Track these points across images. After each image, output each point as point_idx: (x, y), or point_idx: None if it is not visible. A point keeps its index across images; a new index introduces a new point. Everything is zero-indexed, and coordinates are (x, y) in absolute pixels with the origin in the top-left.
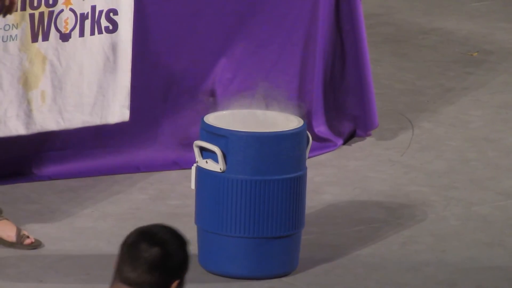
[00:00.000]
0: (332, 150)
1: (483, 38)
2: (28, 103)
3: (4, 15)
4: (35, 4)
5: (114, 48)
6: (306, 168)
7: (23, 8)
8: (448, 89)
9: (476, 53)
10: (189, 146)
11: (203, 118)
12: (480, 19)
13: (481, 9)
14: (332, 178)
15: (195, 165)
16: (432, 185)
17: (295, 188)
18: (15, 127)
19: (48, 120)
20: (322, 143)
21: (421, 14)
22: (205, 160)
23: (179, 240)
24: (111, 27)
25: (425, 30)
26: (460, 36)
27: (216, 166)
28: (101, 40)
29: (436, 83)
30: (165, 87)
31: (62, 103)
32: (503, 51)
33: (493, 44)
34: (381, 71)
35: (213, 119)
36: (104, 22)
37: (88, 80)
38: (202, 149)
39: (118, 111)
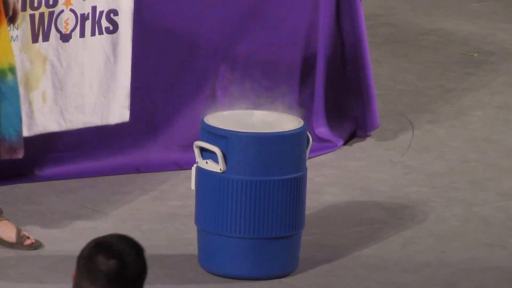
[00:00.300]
0: (333, 151)
1: (484, 39)
2: (30, 104)
3: (8, 25)
4: (35, 4)
5: (114, 48)
6: (306, 169)
7: (24, 9)
8: (448, 90)
9: (476, 54)
10: (190, 146)
11: (203, 119)
12: (480, 19)
13: (481, 9)
14: (333, 178)
15: (195, 165)
16: (432, 185)
17: (295, 188)
18: None
19: (49, 121)
20: (323, 144)
21: (421, 15)
22: (205, 160)
23: (136, 250)
24: (111, 28)
25: (425, 31)
26: (461, 37)
27: (216, 167)
28: (101, 40)
29: (437, 84)
30: (166, 88)
31: (63, 104)
32: (503, 51)
33: (494, 45)
34: (381, 72)
35: (213, 119)
36: (104, 23)
37: (89, 81)
38: (202, 150)
39: (118, 111)
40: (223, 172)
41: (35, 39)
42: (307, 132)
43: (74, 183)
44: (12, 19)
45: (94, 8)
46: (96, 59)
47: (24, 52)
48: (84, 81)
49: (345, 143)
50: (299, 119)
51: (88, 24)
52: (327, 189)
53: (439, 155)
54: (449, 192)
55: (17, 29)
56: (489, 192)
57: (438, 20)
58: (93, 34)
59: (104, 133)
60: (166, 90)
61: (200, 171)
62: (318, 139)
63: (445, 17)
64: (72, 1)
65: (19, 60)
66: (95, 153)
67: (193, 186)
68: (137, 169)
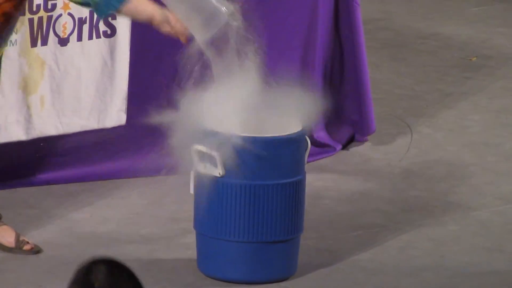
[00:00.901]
0: (331, 155)
1: (482, 43)
2: (28, 108)
3: None
4: (34, 9)
5: (111, 52)
6: (305, 173)
7: (23, 13)
8: (446, 94)
9: (474, 58)
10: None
11: (201, 122)
12: (478, 24)
13: (480, 14)
14: (331, 183)
15: (194, 169)
16: (430, 190)
17: (294, 192)
18: (16, 133)
19: (47, 125)
20: (321, 148)
21: (420, 19)
22: (204, 164)
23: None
24: (109, 32)
25: (424, 35)
26: (459, 41)
27: (215, 171)
28: (99, 44)
29: (435, 88)
30: (163, 91)
31: (60, 108)
32: (501, 56)
33: (492, 49)
34: (380, 76)
35: (211, 123)
36: (102, 27)
37: (86, 84)
38: (201, 154)
39: (115, 115)
40: (221, 176)
41: (33, 43)
42: (306, 136)
43: (72, 187)
44: None
45: (92, 12)
46: (93, 63)
47: (23, 56)
48: (81, 85)
49: (343, 147)
50: (298, 123)
51: (86, 28)
52: (325, 193)
53: (437, 159)
54: (447, 196)
55: (16, 33)
56: (487, 197)
57: (436, 25)
58: (90, 38)
59: (103, 137)
60: (163, 94)
61: (199, 175)
62: (317, 143)
63: (444, 22)
64: (70, 5)
65: (17, 65)
66: (93, 157)
67: (191, 190)
68: (135, 173)
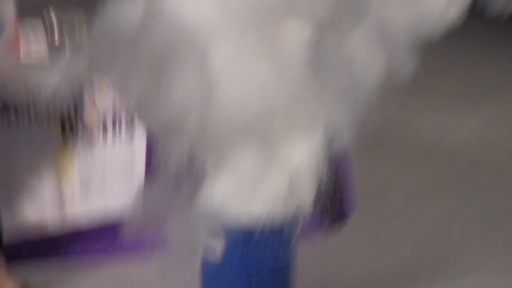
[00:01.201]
0: (316, 235)
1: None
2: (60, 196)
3: None
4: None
5: (132, 153)
6: (294, 257)
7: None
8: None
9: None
10: None
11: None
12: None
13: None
14: (314, 260)
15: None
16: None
17: (283, 277)
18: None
19: (76, 216)
20: (306, 231)
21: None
22: (202, 247)
23: None
24: (129, 135)
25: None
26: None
27: (211, 254)
28: (121, 147)
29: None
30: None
31: (87, 199)
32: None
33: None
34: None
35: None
36: (123, 130)
37: (111, 180)
38: (200, 236)
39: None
40: (216, 260)
41: (62, 136)
42: (295, 221)
43: (81, 263)
44: None
45: (115, 104)
46: (118, 161)
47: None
48: (106, 180)
49: (326, 227)
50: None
51: (110, 122)
52: (310, 271)
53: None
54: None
55: (49, 121)
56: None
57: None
58: (114, 136)
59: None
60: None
61: (199, 256)
62: (302, 226)
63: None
64: (95, 98)
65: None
66: (100, 235)
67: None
68: (145, 250)
